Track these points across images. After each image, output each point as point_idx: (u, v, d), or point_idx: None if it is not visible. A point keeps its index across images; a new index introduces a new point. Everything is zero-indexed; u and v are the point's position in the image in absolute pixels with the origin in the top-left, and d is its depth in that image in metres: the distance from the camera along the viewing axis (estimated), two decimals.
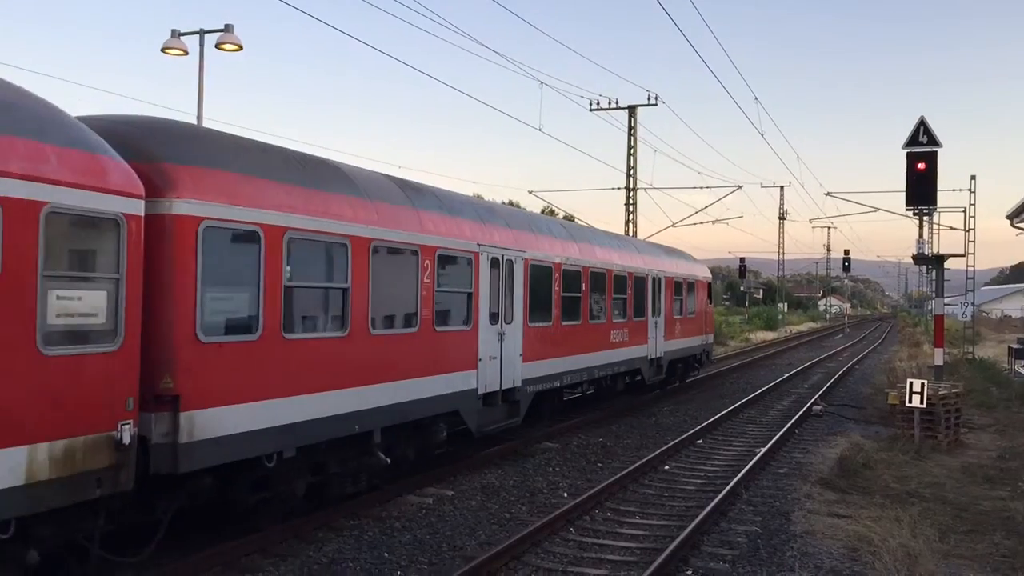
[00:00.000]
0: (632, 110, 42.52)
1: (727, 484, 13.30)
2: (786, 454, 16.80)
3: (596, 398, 21.37)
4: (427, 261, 12.45)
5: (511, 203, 48.30)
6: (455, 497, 12.57)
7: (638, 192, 42.48)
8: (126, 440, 7.52)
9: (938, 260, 22.66)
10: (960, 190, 35.97)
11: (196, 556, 9.10)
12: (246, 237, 9.11)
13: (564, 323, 17.34)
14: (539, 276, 16.30)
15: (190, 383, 8.34)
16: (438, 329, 12.72)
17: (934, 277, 24.74)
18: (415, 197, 12.87)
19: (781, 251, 76.14)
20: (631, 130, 42.56)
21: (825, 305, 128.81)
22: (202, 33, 19.12)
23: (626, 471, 14.10)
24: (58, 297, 7.00)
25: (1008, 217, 34.38)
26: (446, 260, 13.10)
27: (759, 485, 13.98)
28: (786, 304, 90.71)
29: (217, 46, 18.89)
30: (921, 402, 17.52)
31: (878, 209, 34.56)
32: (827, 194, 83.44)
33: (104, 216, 7.42)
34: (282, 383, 9.53)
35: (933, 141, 22.38)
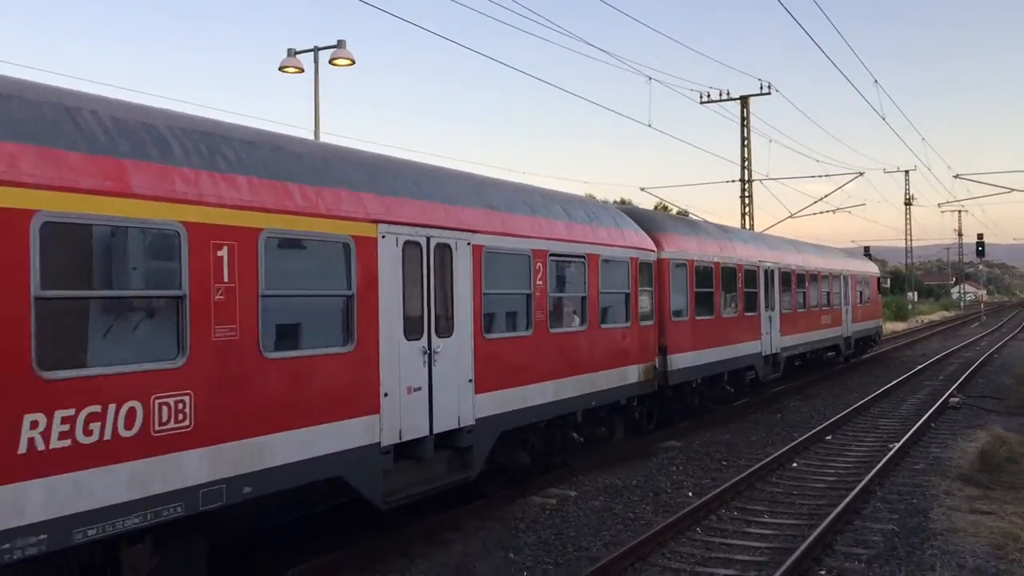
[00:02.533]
0: (744, 100, 41.63)
1: (860, 481, 12.85)
2: (922, 449, 16.11)
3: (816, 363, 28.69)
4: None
5: (623, 201, 47.88)
6: (578, 498, 12.55)
7: (753, 184, 41.55)
8: (656, 366, 15.81)
9: None
10: None
11: (325, 559, 9.36)
12: (679, 265, 17.15)
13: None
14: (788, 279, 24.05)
15: (668, 341, 16.33)
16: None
17: None
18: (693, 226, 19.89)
19: (908, 237, 73.25)
20: (744, 121, 41.67)
21: (959, 292, 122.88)
22: (316, 50, 19.75)
23: (752, 469, 13.80)
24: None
25: None
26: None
27: (894, 482, 13.44)
28: (916, 293, 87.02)
29: (331, 62, 19.48)
30: None
31: (1012, 190, 32.74)
32: (956, 176, 79.75)
33: (649, 261, 15.77)
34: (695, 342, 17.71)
35: None
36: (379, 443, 9.22)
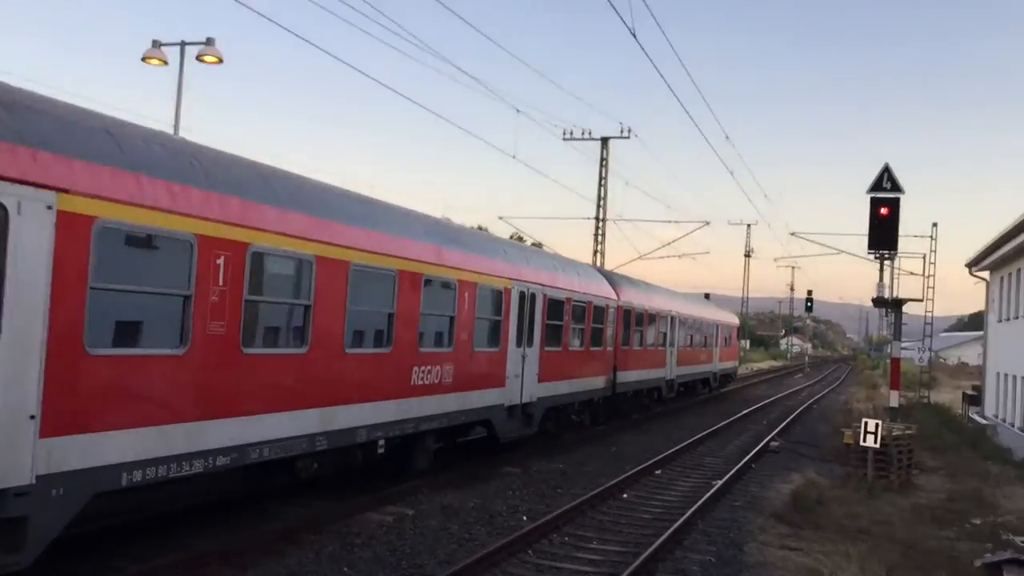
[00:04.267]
0: (605, 141, 43.08)
1: (683, 514, 13.55)
2: (742, 487, 17.10)
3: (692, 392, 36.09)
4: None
5: (479, 227, 48.49)
6: (415, 516, 12.67)
7: (607, 223, 42.98)
8: (610, 378, 23.39)
9: (896, 304, 23.19)
10: (922, 236, 36.55)
11: (144, 566, 9.13)
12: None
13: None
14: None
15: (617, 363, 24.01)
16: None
17: (893, 321, 25.28)
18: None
19: (746, 288, 77.21)
20: (603, 161, 43.09)
21: (787, 344, 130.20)
22: (183, 45, 19.28)
23: (584, 497, 14.30)
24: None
25: (967, 266, 35.27)
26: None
27: (715, 516, 14.24)
28: (748, 341, 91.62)
29: (198, 58, 19.05)
30: (875, 442, 17.91)
31: (841, 251, 35.36)
32: (792, 234, 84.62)
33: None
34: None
35: (896, 187, 22.93)
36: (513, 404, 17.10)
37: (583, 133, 42.28)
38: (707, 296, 57.93)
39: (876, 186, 22.86)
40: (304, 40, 16.64)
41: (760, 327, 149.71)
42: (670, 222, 45.78)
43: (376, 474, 14.13)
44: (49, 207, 7.36)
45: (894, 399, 22.87)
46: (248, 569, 9.65)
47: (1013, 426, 27.69)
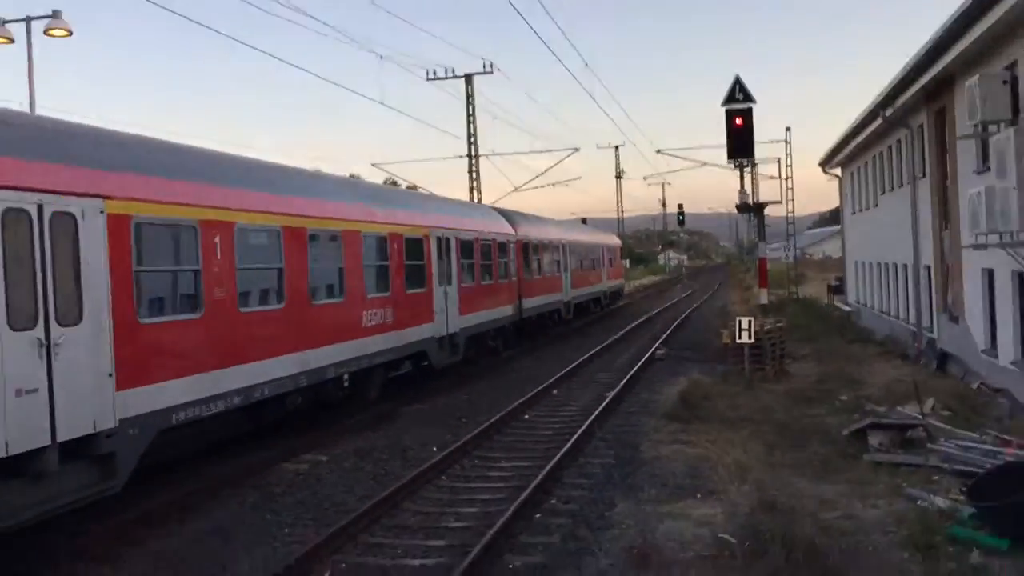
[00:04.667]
0: (469, 78, 43.25)
1: (582, 426, 14.47)
2: (634, 396, 18.22)
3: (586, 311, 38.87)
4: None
5: (351, 175, 48.16)
6: (330, 461, 13.16)
7: (480, 159, 43.44)
8: (517, 306, 26.17)
9: (758, 208, 24.68)
10: (778, 142, 38.33)
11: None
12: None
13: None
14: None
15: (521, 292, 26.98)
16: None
17: (757, 224, 26.82)
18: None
19: (620, 209, 79.17)
20: (469, 98, 43.33)
21: (664, 259, 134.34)
22: (28, 20, 18.55)
23: (489, 422, 15.06)
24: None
25: (820, 164, 37.39)
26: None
27: (611, 424, 15.25)
28: (628, 260, 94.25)
29: (46, 32, 18.39)
30: (749, 338, 19.28)
31: (705, 164, 37.08)
32: (658, 151, 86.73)
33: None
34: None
35: (748, 98, 24.22)
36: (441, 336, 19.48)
37: (447, 72, 42.39)
38: (584, 220, 59.47)
39: (729, 98, 24.07)
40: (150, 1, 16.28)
41: (637, 245, 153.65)
42: (541, 152, 46.83)
43: (288, 427, 14.56)
44: (101, 211, 9.66)
45: (763, 297, 24.46)
46: (174, 528, 10.01)
47: (873, 309, 29.91)
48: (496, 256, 24.44)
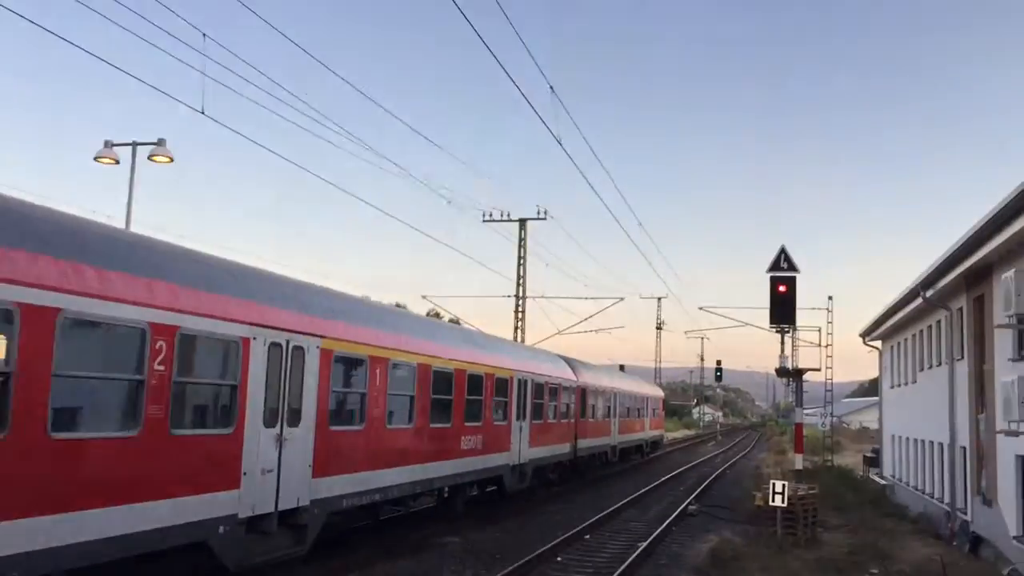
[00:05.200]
0: (523, 222, 45.03)
1: (614, 573, 14.82)
2: (665, 547, 18.49)
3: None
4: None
5: (398, 304, 49.59)
6: None
7: (527, 300, 44.67)
8: (573, 444, 28.61)
9: (797, 374, 25.20)
10: (819, 309, 38.83)
11: None
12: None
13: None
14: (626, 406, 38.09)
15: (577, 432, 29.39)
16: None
17: (795, 389, 27.30)
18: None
19: (658, 359, 79.71)
20: (521, 241, 44.98)
21: (698, 413, 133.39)
22: (135, 145, 20.31)
23: (523, 561, 15.45)
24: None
25: (861, 336, 37.97)
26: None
27: (642, 574, 15.54)
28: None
29: (150, 158, 20.11)
30: (782, 502, 19.57)
31: (746, 324, 37.86)
32: (700, 308, 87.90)
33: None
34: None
35: (792, 267, 25.16)
36: (515, 464, 23.05)
37: (502, 215, 44.23)
38: (622, 368, 60.16)
39: (774, 266, 25.05)
40: (243, 136, 17.85)
41: (673, 397, 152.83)
42: (587, 298, 47.87)
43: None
44: (318, 347, 13.05)
45: (798, 462, 24.70)
46: None
47: (908, 485, 29.86)
48: (561, 399, 27.49)
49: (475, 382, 19.65)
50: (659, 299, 77.29)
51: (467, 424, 19.10)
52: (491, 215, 44.29)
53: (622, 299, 48.11)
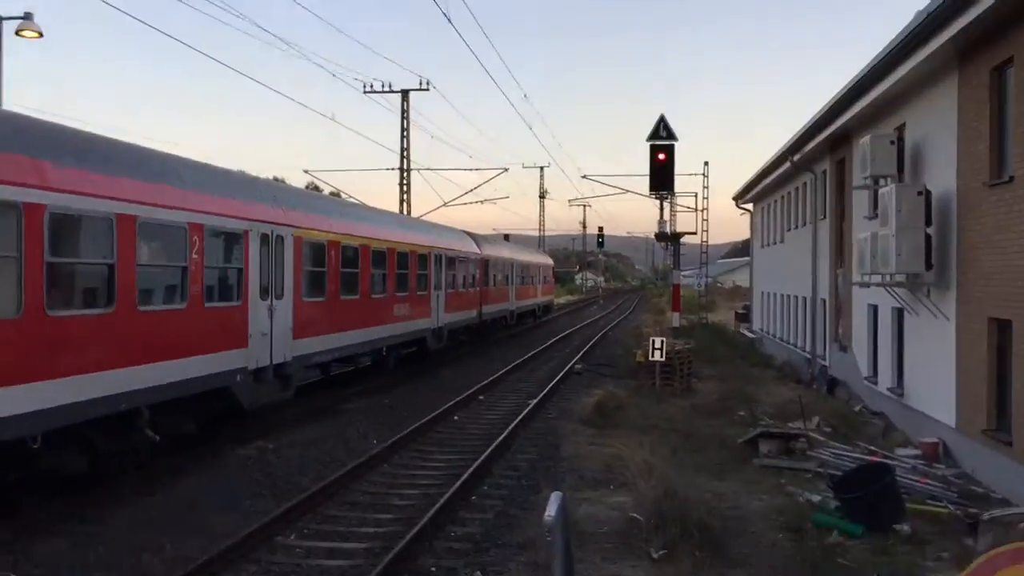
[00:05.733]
0: (405, 94, 44.49)
1: (508, 427, 15.97)
2: (554, 403, 19.82)
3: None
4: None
5: (275, 178, 48.88)
6: (277, 449, 14.34)
7: (411, 173, 44.70)
8: (480, 310, 31.90)
9: (674, 237, 26.60)
10: (696, 175, 40.44)
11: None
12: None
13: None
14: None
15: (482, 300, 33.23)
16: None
17: (673, 252, 28.80)
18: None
19: (542, 228, 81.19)
20: (404, 113, 44.60)
21: (581, 279, 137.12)
22: (0, 19, 19.19)
23: (423, 421, 16.43)
24: None
25: (733, 199, 39.82)
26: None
27: (533, 427, 16.78)
28: None
29: (17, 33, 19.07)
30: (661, 356, 21.09)
31: (627, 191, 39.31)
32: (583, 176, 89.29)
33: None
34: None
35: (671, 135, 26.20)
36: (435, 328, 26.42)
37: (384, 86, 43.60)
38: (507, 237, 61.30)
39: (654, 134, 26.00)
40: (125, 12, 17.20)
41: (557, 264, 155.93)
42: (471, 170, 48.31)
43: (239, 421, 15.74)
44: (292, 235, 16.03)
45: (675, 320, 26.39)
46: (145, 498, 11.14)
47: (775, 337, 32.22)
48: (469, 271, 30.76)
49: (403, 259, 22.84)
50: (542, 168, 78.30)
51: (398, 295, 22.39)
52: (372, 87, 43.61)
53: (506, 170, 48.60)
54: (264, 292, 14.92)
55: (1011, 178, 11.78)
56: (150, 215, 11.60)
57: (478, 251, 32.75)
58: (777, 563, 9.07)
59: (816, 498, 11.18)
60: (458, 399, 19.20)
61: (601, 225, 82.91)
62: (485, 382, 22.08)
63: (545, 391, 20.79)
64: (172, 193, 12.35)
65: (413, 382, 22.71)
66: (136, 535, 9.64)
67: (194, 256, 12.72)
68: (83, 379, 10.28)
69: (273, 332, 15.21)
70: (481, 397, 20.53)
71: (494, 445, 14.28)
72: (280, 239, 15.51)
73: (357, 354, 20.11)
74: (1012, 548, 2.69)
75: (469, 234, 33.57)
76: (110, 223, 10.79)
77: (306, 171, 62.03)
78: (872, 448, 13.96)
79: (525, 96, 39.04)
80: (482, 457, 13.29)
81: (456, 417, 17.89)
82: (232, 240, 14.07)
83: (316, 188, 48.53)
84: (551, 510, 3.64)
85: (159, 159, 12.90)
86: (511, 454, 14.35)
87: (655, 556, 9.05)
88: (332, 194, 44.38)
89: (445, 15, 17.88)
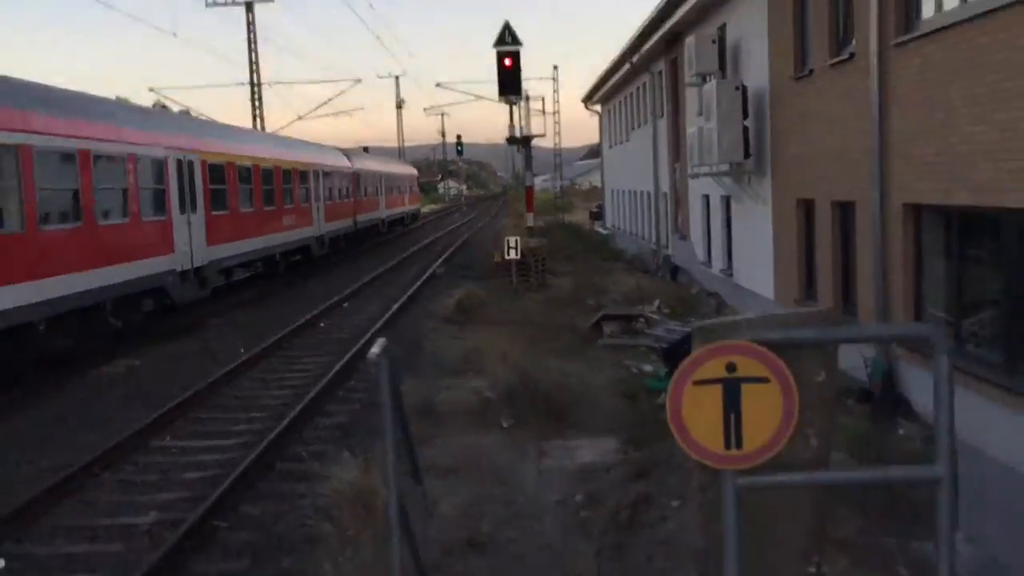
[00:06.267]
0: (249, 6, 43.24)
1: (372, 327, 16.73)
2: (417, 305, 20.67)
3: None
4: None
5: (118, 97, 46.97)
6: (144, 364, 14.72)
7: (264, 87, 43.77)
8: (354, 219, 35.87)
9: (525, 140, 27.42)
10: (546, 79, 40.80)
11: None
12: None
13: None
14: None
15: (356, 209, 37.12)
16: None
17: (525, 156, 29.68)
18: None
19: (401, 139, 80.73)
20: (250, 26, 43.37)
21: (443, 188, 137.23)
22: None
23: (288, 329, 16.99)
24: None
25: (583, 101, 40.92)
26: None
27: (398, 326, 17.62)
28: None
29: None
30: (516, 255, 22.14)
31: (481, 98, 39.81)
32: (437, 84, 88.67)
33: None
34: None
35: (516, 41, 26.68)
36: (319, 236, 30.21)
37: None
38: (366, 150, 60.98)
39: (500, 41, 26.48)
40: None
41: (420, 175, 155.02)
42: (324, 82, 47.77)
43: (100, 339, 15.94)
44: (200, 160, 19.23)
45: (530, 220, 27.45)
46: (13, 416, 11.45)
47: (625, 232, 33.90)
48: (343, 183, 34.22)
49: (287, 176, 26.26)
50: (396, 78, 77.42)
51: (285, 207, 25.78)
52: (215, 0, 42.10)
53: (359, 80, 48.33)
54: (182, 207, 18.15)
55: (811, 71, 13.08)
56: (100, 149, 14.88)
57: (350, 165, 35.91)
58: (613, 424, 10.30)
59: (649, 368, 12.49)
60: (326, 306, 19.81)
61: (459, 134, 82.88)
62: (350, 290, 22.71)
63: (408, 294, 21.58)
64: (114, 131, 15.64)
65: (284, 293, 23.11)
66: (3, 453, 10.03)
67: (131, 180, 16.00)
68: (69, 278, 13.57)
69: (192, 241, 18.44)
70: (346, 305, 21.18)
71: (360, 344, 15.05)
72: (191, 163, 18.71)
73: (255, 259, 23.60)
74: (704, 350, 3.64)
75: (342, 151, 36.97)
76: (74, 157, 13.98)
77: (151, 89, 59.38)
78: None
79: (371, 6, 38.77)
80: (347, 356, 14.05)
81: (322, 324, 18.51)
82: (157, 166, 17.24)
83: (163, 107, 46.81)
84: (375, 350, 4.39)
85: (102, 103, 16.82)
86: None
87: (505, 425, 10.13)
88: (182, 112, 42.99)
89: None
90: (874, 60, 10.63)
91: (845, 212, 12.37)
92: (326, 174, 30.95)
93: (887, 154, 10.60)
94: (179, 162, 18.02)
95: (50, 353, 13.72)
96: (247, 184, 22.47)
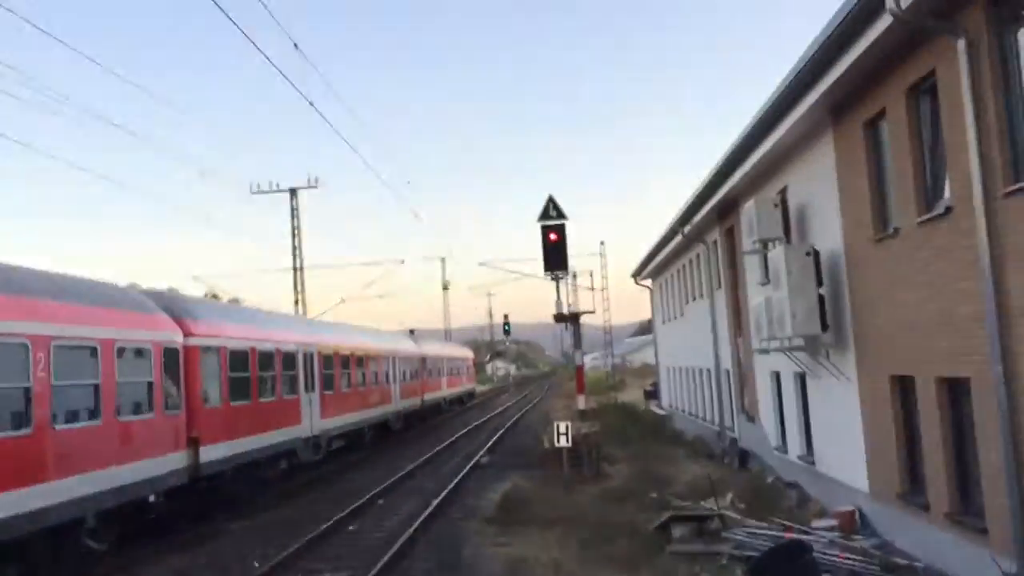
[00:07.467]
0: (293, 192, 43.76)
1: (406, 533, 14.74)
2: (458, 501, 18.63)
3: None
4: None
5: (170, 289, 47.01)
6: None
7: (306, 271, 43.55)
8: (422, 398, 39.78)
9: (573, 317, 26.00)
10: (594, 255, 39.93)
11: None
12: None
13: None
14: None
15: (424, 389, 41.45)
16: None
17: (573, 333, 28.20)
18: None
19: (447, 320, 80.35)
20: (294, 211, 43.71)
21: (491, 368, 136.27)
22: None
23: (311, 536, 15.04)
24: None
25: (632, 276, 39.81)
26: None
27: (435, 529, 15.58)
28: None
29: None
30: (567, 442, 20.19)
31: (526, 275, 38.89)
32: (481, 264, 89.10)
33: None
34: None
35: (561, 214, 25.79)
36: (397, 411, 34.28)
37: (271, 185, 42.70)
38: (412, 332, 60.30)
39: (544, 215, 25.58)
40: None
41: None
42: (367, 264, 47.56)
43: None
44: (316, 351, 23.93)
45: (581, 402, 25.59)
46: None
47: (684, 412, 31.77)
48: (413, 366, 37.65)
49: (375, 361, 30.50)
50: (442, 259, 77.73)
51: (372, 387, 29.78)
52: (259, 186, 42.67)
53: (402, 261, 48.30)
54: (307, 388, 22.68)
55: (896, 230, 11.51)
56: (259, 347, 19.98)
57: (418, 350, 39.69)
58: None
59: None
60: (361, 502, 17.86)
61: (507, 313, 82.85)
62: (388, 482, 20.80)
63: (449, 488, 19.59)
64: (266, 333, 20.66)
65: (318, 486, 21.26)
66: None
67: (277, 369, 20.81)
68: (247, 440, 18.74)
69: (312, 415, 22.76)
70: (381, 502, 19.22)
71: (386, 558, 13.04)
72: (311, 355, 23.20)
73: (350, 431, 26.98)
74: None
75: (411, 337, 41.43)
76: (247, 354, 19.19)
77: (196, 277, 59.96)
78: (787, 523, 13.25)
79: (408, 182, 39.74)
80: (375, 570, 12.05)
81: (351, 528, 16.54)
82: (291, 357, 21.77)
83: (215, 296, 46.78)
84: None
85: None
86: (408, 562, 13.12)
87: None
88: (231, 301, 42.75)
89: (308, 100, 17.19)
90: (980, 213, 9.06)
91: (955, 390, 10.46)
92: (402, 358, 35.17)
93: (1005, 316, 8.84)
94: (305, 354, 22.52)
95: None
96: (345, 369, 26.43)
